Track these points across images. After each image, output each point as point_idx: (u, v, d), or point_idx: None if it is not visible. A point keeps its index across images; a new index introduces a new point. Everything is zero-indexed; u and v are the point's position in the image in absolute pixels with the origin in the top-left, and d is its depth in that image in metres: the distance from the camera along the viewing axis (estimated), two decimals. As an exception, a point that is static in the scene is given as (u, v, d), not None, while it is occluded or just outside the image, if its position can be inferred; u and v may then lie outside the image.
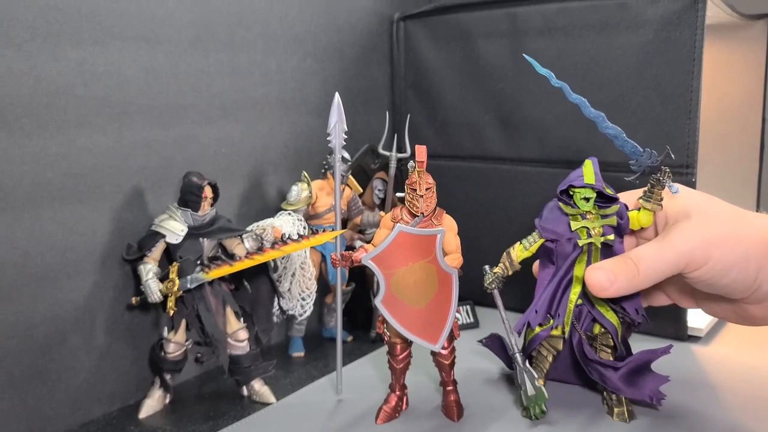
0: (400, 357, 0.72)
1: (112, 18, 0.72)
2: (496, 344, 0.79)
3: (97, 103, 0.71)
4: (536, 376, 0.70)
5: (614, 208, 0.71)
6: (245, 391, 0.78)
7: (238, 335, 0.76)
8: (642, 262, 0.65)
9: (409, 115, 1.01)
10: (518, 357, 0.71)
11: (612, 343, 0.72)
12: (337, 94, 0.74)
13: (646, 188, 0.72)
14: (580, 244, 0.70)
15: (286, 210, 0.89)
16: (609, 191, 0.71)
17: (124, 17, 0.73)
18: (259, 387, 0.77)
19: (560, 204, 0.72)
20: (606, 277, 0.66)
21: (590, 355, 0.71)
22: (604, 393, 0.73)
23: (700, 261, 0.63)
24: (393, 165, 0.94)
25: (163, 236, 0.74)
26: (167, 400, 0.77)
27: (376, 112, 1.11)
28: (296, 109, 0.97)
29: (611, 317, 0.71)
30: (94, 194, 0.72)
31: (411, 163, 0.68)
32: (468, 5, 1.05)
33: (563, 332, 0.72)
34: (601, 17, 0.93)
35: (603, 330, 0.72)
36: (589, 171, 0.71)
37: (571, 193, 0.71)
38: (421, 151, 0.66)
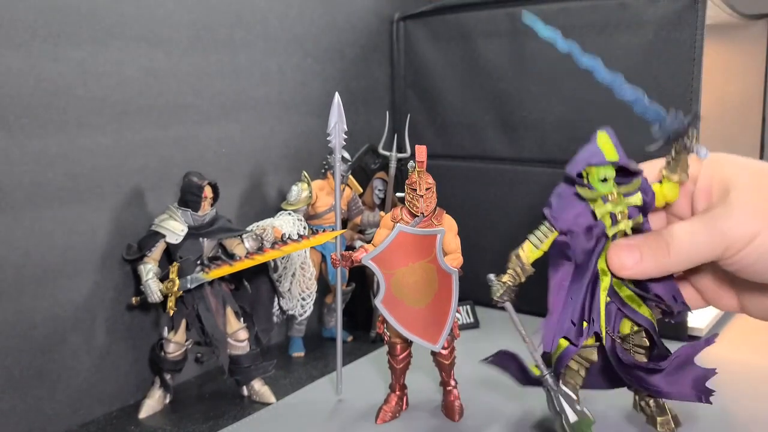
0: (400, 357, 0.72)
1: (111, 18, 0.72)
2: (507, 361, 0.65)
3: (97, 103, 0.71)
4: (575, 398, 0.60)
5: (636, 183, 0.59)
6: (245, 391, 0.78)
7: (238, 335, 0.76)
8: (675, 241, 0.54)
9: (409, 115, 1.01)
10: (549, 380, 0.60)
11: (646, 343, 0.62)
12: (337, 94, 0.74)
13: (669, 156, 0.59)
14: (610, 234, 0.58)
15: (286, 210, 0.89)
16: (633, 165, 0.58)
17: (124, 17, 0.73)
18: (259, 387, 0.77)
19: (577, 187, 0.59)
20: (630, 254, 0.56)
21: (627, 360, 0.60)
22: (640, 401, 0.64)
23: (742, 240, 0.51)
24: (393, 165, 0.94)
25: (163, 236, 0.74)
26: (167, 400, 0.77)
27: (376, 112, 1.11)
28: (296, 109, 0.97)
29: (644, 312, 0.60)
30: (94, 194, 0.72)
31: (411, 163, 0.68)
32: (468, 5, 1.05)
33: (598, 339, 0.60)
34: (601, 17, 0.93)
35: (636, 329, 0.61)
36: (607, 145, 0.58)
37: (585, 173, 0.59)
38: (421, 151, 0.66)
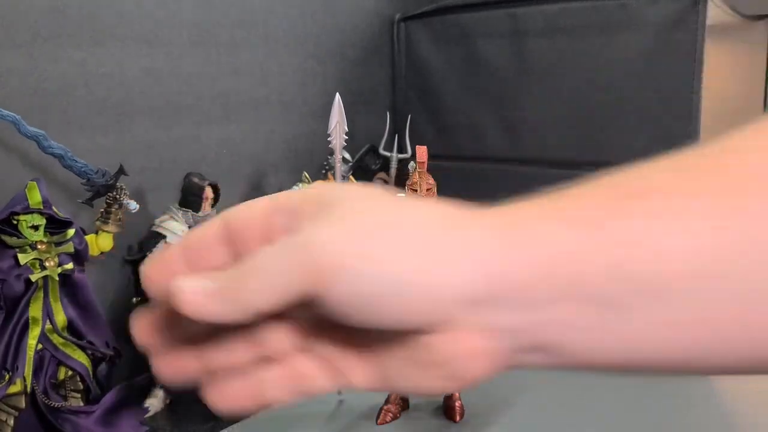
0: (401, 358, 0.72)
1: (113, 19, 0.72)
2: None
3: (98, 104, 0.71)
4: None
5: (70, 233, 0.62)
6: (246, 392, 0.78)
7: (239, 336, 0.76)
8: (254, 263, 0.28)
9: (409, 116, 1.01)
10: None
11: (81, 387, 0.63)
12: (338, 94, 0.74)
13: (102, 209, 0.65)
14: (34, 279, 0.59)
15: (286, 211, 0.89)
16: (60, 215, 0.61)
17: (124, 19, 0.73)
18: (260, 387, 0.77)
19: (1, 236, 0.59)
20: (203, 290, 0.36)
21: (57, 404, 0.60)
22: None
23: (333, 266, 0.26)
24: (394, 165, 0.94)
25: (164, 237, 0.74)
26: (168, 401, 0.77)
27: (377, 112, 1.11)
28: (297, 109, 0.97)
29: (80, 357, 0.62)
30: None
31: (412, 164, 0.68)
32: (469, 6, 1.05)
33: (24, 387, 0.59)
34: (602, 18, 0.93)
35: (71, 373, 0.62)
36: (34, 194, 0.60)
37: (15, 221, 0.60)
38: (422, 152, 0.66)
